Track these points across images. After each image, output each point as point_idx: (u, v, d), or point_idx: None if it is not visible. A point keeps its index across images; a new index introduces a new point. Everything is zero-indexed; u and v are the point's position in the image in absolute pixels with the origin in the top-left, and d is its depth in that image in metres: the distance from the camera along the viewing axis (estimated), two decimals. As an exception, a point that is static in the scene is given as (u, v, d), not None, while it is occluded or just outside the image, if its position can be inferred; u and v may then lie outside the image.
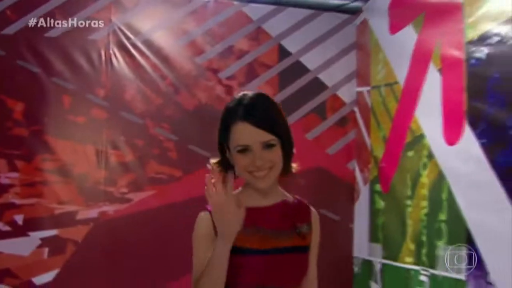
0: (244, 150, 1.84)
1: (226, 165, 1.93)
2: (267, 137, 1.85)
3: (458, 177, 3.10)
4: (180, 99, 4.13)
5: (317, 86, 4.36)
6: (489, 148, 2.86)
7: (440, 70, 3.26)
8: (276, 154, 1.87)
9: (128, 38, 4.07)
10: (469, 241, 2.98)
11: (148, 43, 4.11)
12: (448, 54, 3.20)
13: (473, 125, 2.97)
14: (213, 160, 1.97)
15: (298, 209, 2.03)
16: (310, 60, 4.38)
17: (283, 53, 4.34)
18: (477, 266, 2.91)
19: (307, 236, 1.99)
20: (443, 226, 3.21)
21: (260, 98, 1.92)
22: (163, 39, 4.16)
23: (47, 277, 3.78)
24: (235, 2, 4.27)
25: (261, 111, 1.87)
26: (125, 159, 3.99)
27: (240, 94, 1.95)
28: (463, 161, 3.03)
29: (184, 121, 4.13)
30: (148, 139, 4.06)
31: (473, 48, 2.99)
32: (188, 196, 3.94)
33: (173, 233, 3.81)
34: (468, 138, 2.99)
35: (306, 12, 4.39)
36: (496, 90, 2.82)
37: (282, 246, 1.92)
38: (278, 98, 4.19)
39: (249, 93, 1.94)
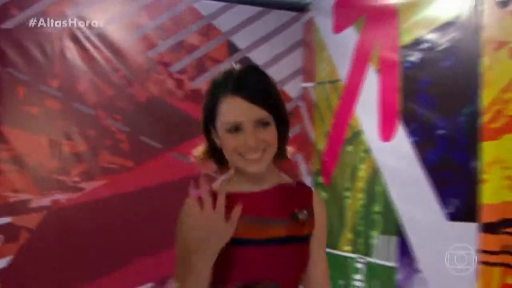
0: (235, 128, 1.62)
1: (213, 152, 1.74)
2: (261, 113, 1.62)
3: (392, 172, 3.32)
4: (132, 92, 4.23)
5: (265, 81, 4.50)
6: (419, 146, 3.09)
7: (378, 71, 3.47)
8: (271, 133, 1.64)
9: (82, 31, 4.14)
10: (400, 232, 3.20)
11: (102, 36, 4.18)
12: (385, 56, 3.41)
13: (406, 124, 3.19)
14: (196, 150, 1.77)
15: (297, 193, 1.79)
16: (258, 56, 4.51)
17: (232, 48, 4.47)
18: (407, 254, 3.14)
19: (306, 224, 1.75)
20: (378, 217, 3.43)
21: (252, 70, 1.70)
22: (116, 32, 4.23)
23: (1, 263, 3.85)
24: (187, -2, 4.40)
25: (254, 84, 1.65)
26: (78, 149, 4.07)
27: (228, 67, 1.71)
28: (396, 157, 3.24)
29: (136, 113, 4.22)
30: (101, 130, 4.14)
31: (407, 52, 3.21)
32: (139, 186, 4.10)
33: (124, 221, 3.98)
34: (401, 136, 3.20)
35: (255, 9, 4.52)
36: (427, 93, 3.03)
37: (277, 236, 1.69)
38: (226, 92, 4.35)
39: (238, 66, 1.70)
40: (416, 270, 3.07)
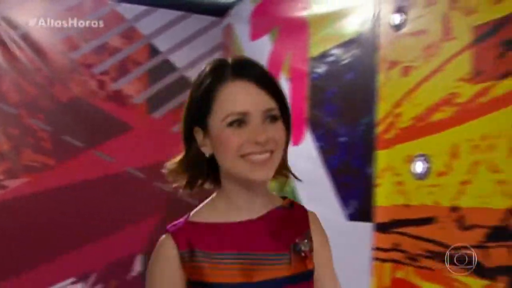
0: (239, 121, 1.31)
1: (194, 163, 1.42)
2: (270, 103, 1.34)
3: (300, 174, 3.54)
4: (55, 92, 4.34)
5: (185, 83, 4.68)
6: (324, 151, 3.35)
7: (289, 80, 3.72)
8: (280, 131, 1.37)
9: (5, 31, 4.22)
10: (307, 229, 3.47)
11: (25, 37, 4.26)
12: (295, 66, 3.67)
13: (313, 130, 3.45)
14: (170, 163, 1.47)
15: (293, 218, 1.51)
16: (179, 59, 4.70)
17: (154, 51, 4.65)
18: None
19: (310, 256, 1.46)
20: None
21: (248, 58, 1.43)
22: (40, 33, 4.32)
23: None
24: (110, 1, 4.52)
25: (257, 68, 1.38)
26: (1, 148, 4.16)
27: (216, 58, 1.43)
28: (304, 159, 3.49)
29: (59, 112, 4.32)
30: (23, 129, 4.23)
31: (315, 64, 3.46)
32: (62, 184, 4.24)
33: (47, 218, 4.10)
34: (308, 141, 3.46)
35: (176, 13, 4.70)
36: (332, 102, 3.30)
37: (279, 276, 1.38)
38: (147, 94, 4.53)
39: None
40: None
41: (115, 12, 4.55)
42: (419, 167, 2.55)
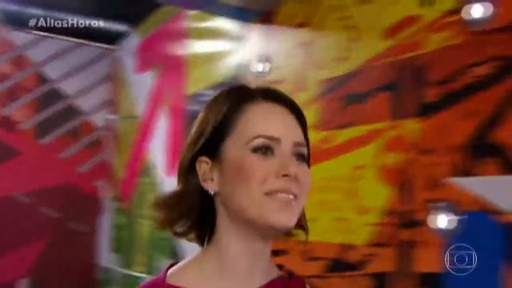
0: (266, 149, 1.03)
1: (187, 202, 1.08)
2: (301, 137, 1.09)
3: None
4: None
5: (73, 111, 4.83)
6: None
7: (168, 114, 3.94)
8: (308, 175, 1.07)
9: None
10: (177, 255, 3.68)
11: None
12: (173, 103, 3.89)
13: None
14: (161, 196, 1.12)
15: None
16: (68, 87, 4.84)
17: (43, 79, 4.76)
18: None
19: None
20: (163, 242, 3.88)
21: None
22: None
23: None
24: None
25: (289, 97, 1.12)
26: None
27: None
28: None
29: None
30: None
31: (191, 101, 3.69)
32: None
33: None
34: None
35: (67, 43, 4.81)
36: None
37: None
38: (35, 120, 4.64)
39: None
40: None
41: (5, 39, 4.63)
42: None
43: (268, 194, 1.01)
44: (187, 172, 1.09)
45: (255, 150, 1.03)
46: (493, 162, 1.90)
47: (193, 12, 3.70)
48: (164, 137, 3.95)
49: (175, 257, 3.70)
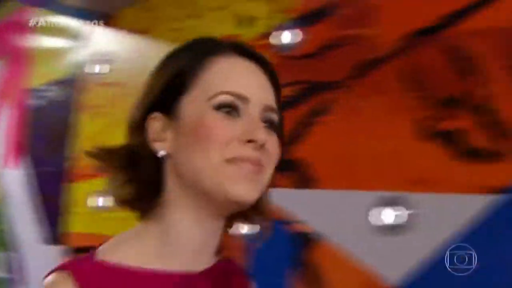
0: (231, 108, 0.90)
1: (136, 163, 0.93)
2: (273, 101, 0.96)
3: (14, 196, 3.79)
4: None
5: None
6: (32, 177, 3.60)
7: (11, 107, 3.94)
8: (277, 146, 0.94)
9: None
10: (15, 248, 3.71)
11: None
12: (17, 96, 3.90)
13: (26, 157, 3.68)
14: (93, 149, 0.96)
15: (235, 281, 1.04)
16: None
17: None
18: (20, 268, 3.64)
19: None
20: (2, 235, 3.89)
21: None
22: None
23: None
24: None
25: (264, 56, 0.98)
26: None
27: None
28: (18, 184, 3.70)
29: None
30: None
31: (33, 95, 3.72)
32: None
33: None
34: (22, 166, 3.68)
35: None
36: (42, 134, 3.57)
37: None
38: None
39: None
40: (26, 282, 3.58)
41: None
42: (100, 201, 2.92)
43: (230, 161, 0.88)
44: (134, 130, 0.95)
45: (218, 107, 0.89)
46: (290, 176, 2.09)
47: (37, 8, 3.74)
48: (3, 129, 3.95)
49: (13, 249, 3.70)
